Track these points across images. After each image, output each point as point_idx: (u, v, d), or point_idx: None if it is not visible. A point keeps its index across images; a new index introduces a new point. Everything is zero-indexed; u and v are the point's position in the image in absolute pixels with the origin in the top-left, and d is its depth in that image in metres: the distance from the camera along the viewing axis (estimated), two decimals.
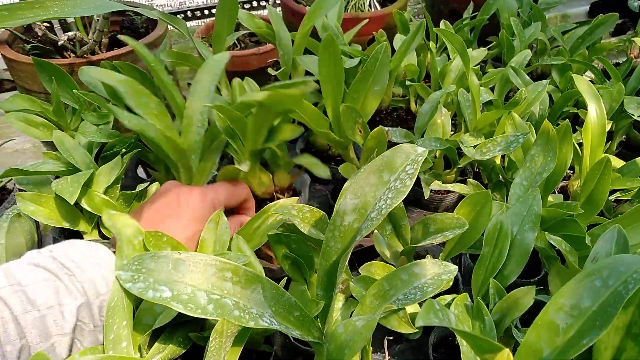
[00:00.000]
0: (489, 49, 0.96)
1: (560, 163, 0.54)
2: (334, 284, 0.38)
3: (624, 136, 0.81)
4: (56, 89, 0.59)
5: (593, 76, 0.87)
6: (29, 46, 0.85)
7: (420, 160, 0.37)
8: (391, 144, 0.62)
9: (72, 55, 0.82)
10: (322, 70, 0.55)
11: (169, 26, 0.85)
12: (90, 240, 0.42)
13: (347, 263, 0.38)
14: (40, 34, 0.79)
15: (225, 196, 0.49)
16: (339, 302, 0.47)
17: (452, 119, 0.82)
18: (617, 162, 0.71)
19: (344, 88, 0.55)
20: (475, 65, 0.81)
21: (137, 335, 0.38)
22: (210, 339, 0.35)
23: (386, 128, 0.64)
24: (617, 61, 1.04)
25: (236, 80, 0.68)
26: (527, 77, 0.75)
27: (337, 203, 0.38)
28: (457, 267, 0.43)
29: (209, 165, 0.53)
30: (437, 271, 0.42)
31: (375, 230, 0.54)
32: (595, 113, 0.63)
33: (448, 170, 0.67)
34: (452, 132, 0.71)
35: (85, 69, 0.56)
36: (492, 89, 0.80)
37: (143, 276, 0.35)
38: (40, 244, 0.59)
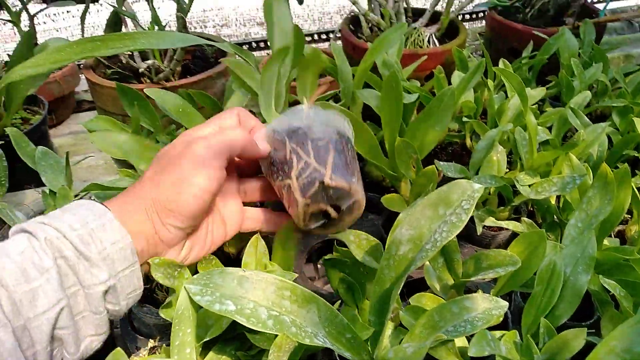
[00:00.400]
0: (547, 88, 0.96)
1: (617, 207, 0.54)
2: (387, 310, 0.40)
3: None
4: (137, 112, 0.65)
5: None
6: (110, 71, 0.93)
7: (477, 197, 0.38)
8: (445, 179, 0.64)
9: (149, 81, 0.89)
10: (384, 106, 0.58)
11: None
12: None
13: (399, 291, 0.40)
14: (124, 61, 0.86)
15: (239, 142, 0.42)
16: (388, 329, 0.48)
17: (507, 157, 0.83)
18: None
19: (401, 123, 0.58)
20: (533, 104, 0.82)
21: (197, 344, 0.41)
22: (270, 351, 0.38)
23: (441, 163, 0.66)
24: None
25: None
26: (586, 118, 0.75)
27: (392, 233, 0.40)
28: (507, 303, 0.43)
29: None
30: (487, 306, 0.43)
31: (427, 263, 0.55)
32: None
33: (502, 207, 0.67)
34: (507, 170, 0.72)
35: (148, 91, 0.61)
36: (549, 128, 0.80)
37: (210, 290, 0.38)
38: None
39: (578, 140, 0.63)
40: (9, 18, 1.07)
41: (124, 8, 0.94)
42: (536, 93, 0.84)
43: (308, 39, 1.40)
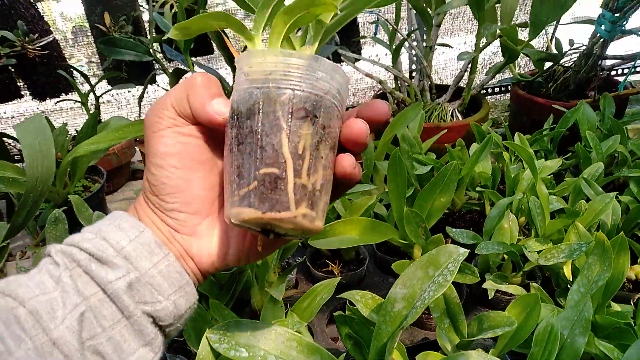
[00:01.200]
0: (567, 159, 1.00)
1: (617, 272, 0.56)
2: None
3: None
4: None
5: None
6: None
7: (461, 259, 0.43)
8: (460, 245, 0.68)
9: None
10: (390, 182, 0.64)
11: None
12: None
13: (395, 344, 0.44)
14: None
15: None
16: None
17: (526, 225, 0.86)
18: None
19: (409, 194, 0.63)
20: (549, 175, 0.85)
21: None
22: None
23: (453, 229, 0.70)
24: None
25: None
26: (599, 188, 0.78)
27: (390, 292, 0.45)
28: None
29: None
30: None
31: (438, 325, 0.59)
32: None
33: (514, 273, 0.70)
34: (521, 237, 0.75)
35: None
36: (566, 197, 0.83)
37: (227, 339, 0.44)
38: None
39: (581, 210, 0.67)
40: (79, 99, 1.23)
41: None
42: (552, 164, 0.88)
43: None
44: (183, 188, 0.34)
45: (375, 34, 1.46)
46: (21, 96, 1.36)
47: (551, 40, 1.32)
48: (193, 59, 1.26)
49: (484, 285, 0.59)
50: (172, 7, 1.26)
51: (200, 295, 0.62)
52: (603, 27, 1.06)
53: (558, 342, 0.48)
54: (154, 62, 1.17)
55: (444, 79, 1.67)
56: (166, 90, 1.03)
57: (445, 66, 1.65)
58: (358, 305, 0.51)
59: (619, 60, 1.22)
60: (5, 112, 1.49)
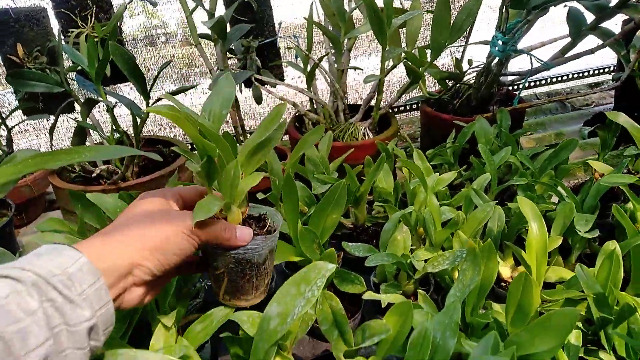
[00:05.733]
0: (466, 170, 1.07)
1: (487, 276, 0.62)
2: None
3: (587, 249, 0.87)
4: (81, 213, 0.74)
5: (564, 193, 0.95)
6: (74, 175, 1.04)
7: (328, 275, 0.47)
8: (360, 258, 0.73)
9: (106, 182, 1.00)
10: (284, 202, 0.68)
11: None
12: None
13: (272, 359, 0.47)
14: (77, 169, 0.98)
15: (185, 191, 0.55)
16: None
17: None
18: (568, 274, 0.78)
19: (311, 212, 0.67)
20: (444, 187, 0.92)
21: None
22: None
23: (350, 244, 0.75)
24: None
25: None
26: (486, 197, 0.85)
27: (265, 310, 0.48)
28: None
29: None
30: None
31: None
32: (536, 231, 0.71)
33: (408, 281, 0.75)
34: (415, 247, 0.80)
35: (89, 196, 0.71)
36: (460, 207, 0.90)
37: None
38: None
39: (459, 220, 0.73)
40: None
41: (89, 120, 1.07)
42: (448, 176, 0.94)
43: None
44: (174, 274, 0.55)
45: (296, 57, 1.51)
46: None
47: (461, 59, 1.42)
48: (107, 88, 1.26)
49: (364, 296, 0.64)
50: (87, 37, 1.26)
51: None
52: (497, 48, 1.15)
53: (431, 344, 0.53)
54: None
55: (364, 97, 1.74)
56: (77, 121, 1.03)
57: (365, 86, 1.72)
58: (244, 326, 0.54)
59: (517, 77, 1.33)
60: None
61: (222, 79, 0.58)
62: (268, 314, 0.48)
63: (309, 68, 1.22)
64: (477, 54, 1.31)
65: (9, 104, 1.43)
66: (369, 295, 0.63)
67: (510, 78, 1.39)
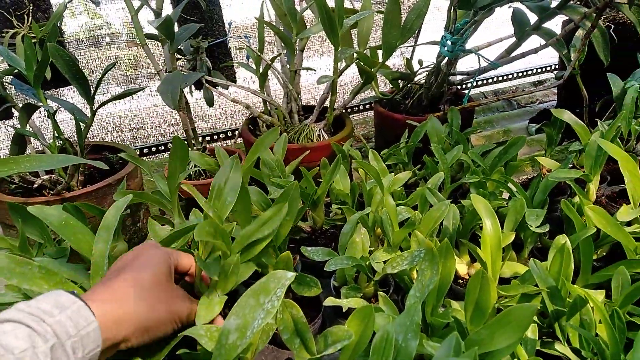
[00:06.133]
0: (420, 169, 1.09)
1: (445, 276, 0.63)
2: None
3: (538, 243, 0.90)
4: (21, 227, 0.70)
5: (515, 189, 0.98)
6: (13, 186, 0.98)
7: (287, 284, 0.46)
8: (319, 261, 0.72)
9: (50, 193, 0.94)
10: (236, 206, 0.66)
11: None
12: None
13: None
14: (16, 180, 0.92)
15: (182, 259, 0.59)
16: None
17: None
18: (522, 269, 0.80)
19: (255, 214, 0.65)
20: (400, 186, 0.93)
21: None
22: None
23: (308, 248, 0.74)
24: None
25: None
26: (441, 196, 0.86)
27: (224, 323, 0.46)
28: None
29: None
30: None
31: None
32: (490, 228, 0.73)
33: (367, 283, 0.75)
34: (374, 249, 0.80)
35: (30, 209, 0.67)
36: (416, 207, 0.91)
37: None
38: None
39: (415, 220, 0.73)
40: None
41: (29, 127, 1.01)
42: (403, 176, 0.95)
43: (215, 137, 1.52)
44: None
45: (247, 58, 1.48)
46: None
47: (411, 59, 1.44)
48: (48, 92, 1.19)
49: (325, 303, 0.63)
50: (23, 38, 1.19)
51: None
52: (446, 48, 1.17)
53: (393, 348, 0.53)
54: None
55: (318, 98, 1.74)
56: (15, 128, 0.97)
57: (318, 86, 1.71)
58: (202, 341, 0.52)
59: (466, 76, 1.36)
60: None
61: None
62: (227, 327, 0.46)
63: (261, 69, 1.20)
64: (427, 55, 1.33)
65: None
66: (330, 301, 0.62)
67: (459, 77, 1.42)
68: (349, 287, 0.72)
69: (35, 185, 0.91)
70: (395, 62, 1.78)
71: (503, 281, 0.80)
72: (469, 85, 1.31)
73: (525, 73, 2.01)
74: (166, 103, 0.94)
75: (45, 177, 0.93)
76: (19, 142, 1.02)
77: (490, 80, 1.97)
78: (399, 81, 1.30)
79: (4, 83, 1.02)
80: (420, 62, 1.29)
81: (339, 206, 0.87)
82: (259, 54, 1.16)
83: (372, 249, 0.79)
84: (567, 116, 0.95)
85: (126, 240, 0.93)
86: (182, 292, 0.56)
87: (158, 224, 0.76)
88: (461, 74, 1.34)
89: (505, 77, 2.00)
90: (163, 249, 0.58)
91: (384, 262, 0.72)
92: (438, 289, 0.63)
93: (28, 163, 0.68)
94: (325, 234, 0.90)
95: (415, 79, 1.31)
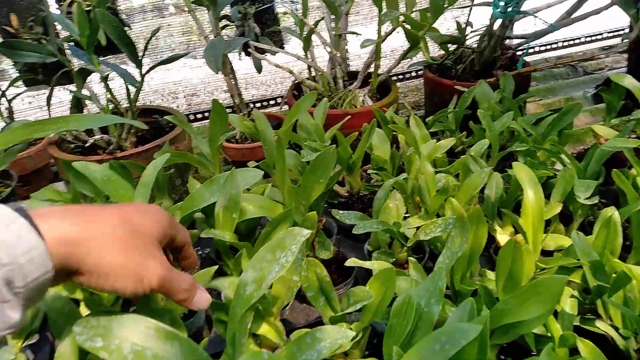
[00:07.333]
0: (468, 137, 1.05)
1: (476, 243, 0.61)
2: (239, 343, 0.47)
3: (590, 217, 0.85)
4: (73, 182, 0.74)
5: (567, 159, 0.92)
6: (73, 145, 1.04)
7: (302, 240, 0.46)
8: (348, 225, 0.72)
9: (104, 152, 1.00)
10: (276, 165, 0.67)
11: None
12: None
13: (249, 325, 0.47)
14: (70, 138, 0.98)
15: (180, 232, 0.48)
16: None
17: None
18: (567, 242, 0.76)
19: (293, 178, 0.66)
20: (441, 154, 0.90)
21: None
22: None
23: (340, 212, 0.74)
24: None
25: None
26: (484, 163, 0.83)
27: (242, 275, 0.48)
28: (354, 333, 0.50)
29: None
30: (335, 336, 0.49)
31: None
32: (532, 198, 0.70)
33: (400, 249, 0.74)
34: (410, 215, 0.79)
35: (75, 164, 0.71)
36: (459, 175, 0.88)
37: (87, 330, 0.45)
38: None
39: (449, 187, 0.71)
40: None
41: (85, 91, 1.07)
42: (446, 143, 0.92)
43: (264, 103, 1.53)
44: None
45: (295, 24, 1.47)
46: None
47: (467, 23, 1.37)
48: (102, 57, 1.24)
49: (347, 263, 0.63)
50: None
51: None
52: (498, 9, 1.10)
53: (414, 311, 0.52)
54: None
55: None
56: (72, 92, 1.03)
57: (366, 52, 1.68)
58: (225, 292, 0.54)
59: (523, 40, 1.28)
60: None
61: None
62: (244, 279, 0.47)
63: (305, 33, 1.19)
64: (481, 19, 1.26)
65: (10, 77, 1.43)
66: (352, 262, 0.62)
67: (516, 41, 1.34)
68: (380, 251, 0.72)
69: (87, 144, 0.97)
70: (450, 26, 1.70)
71: (546, 254, 0.77)
72: (525, 49, 1.24)
73: (593, 37, 1.86)
74: (210, 67, 0.95)
75: (97, 137, 0.98)
76: (77, 106, 1.08)
77: (554, 45, 1.84)
78: (449, 45, 1.25)
79: (64, 49, 1.08)
80: (470, 24, 1.22)
81: (376, 172, 0.85)
82: (303, 18, 1.15)
83: (407, 215, 0.78)
84: (627, 81, 0.87)
85: (176, 199, 0.97)
86: (165, 258, 0.45)
87: (198, 182, 0.79)
88: (517, 37, 1.27)
89: (571, 42, 1.86)
90: (169, 215, 0.48)
91: (417, 228, 0.70)
92: (468, 256, 0.62)
93: (75, 122, 0.72)
94: (362, 199, 0.90)
95: (467, 42, 1.25)
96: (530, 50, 1.29)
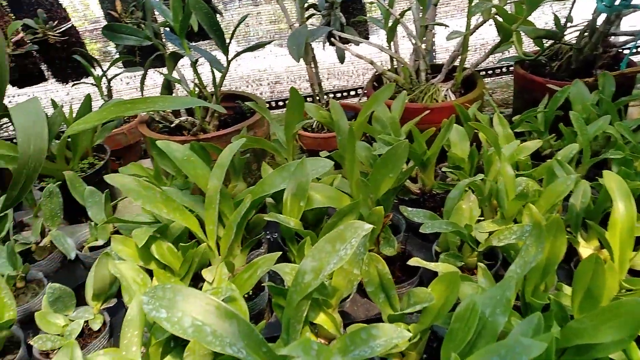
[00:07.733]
0: (557, 140, 0.98)
1: (553, 255, 0.57)
2: (295, 330, 0.47)
3: None
4: (157, 159, 0.79)
5: None
6: (161, 125, 1.10)
7: (362, 234, 0.45)
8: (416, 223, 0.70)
9: (187, 133, 1.05)
10: (346, 159, 0.67)
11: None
12: None
13: (305, 312, 0.47)
14: (157, 118, 1.03)
15: None
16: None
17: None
18: None
19: (363, 170, 0.65)
20: (524, 156, 0.84)
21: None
22: (185, 354, 0.46)
23: (409, 209, 0.72)
24: None
25: None
26: (571, 169, 0.77)
27: (301, 264, 0.48)
28: (410, 333, 0.48)
29: None
30: (391, 335, 0.48)
31: None
32: (622, 210, 0.63)
33: (470, 253, 0.71)
34: (484, 219, 0.75)
35: (158, 142, 0.75)
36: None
37: (153, 300, 0.48)
38: None
39: (528, 192, 0.66)
40: (93, 82, 1.31)
41: (175, 74, 1.12)
42: (532, 145, 0.86)
43: (345, 94, 1.52)
44: None
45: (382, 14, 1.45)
46: (45, 79, 1.46)
47: (569, 18, 1.27)
48: (193, 43, 1.30)
49: (409, 262, 0.61)
50: None
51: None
52: (603, 3, 1.01)
53: (477, 319, 0.50)
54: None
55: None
56: (163, 74, 1.08)
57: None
58: (285, 278, 0.54)
59: (630, 37, 1.16)
60: (32, 95, 1.60)
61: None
62: (302, 268, 0.47)
63: (390, 24, 1.16)
64: (583, 14, 1.17)
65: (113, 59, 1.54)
66: (414, 261, 0.60)
67: (621, 39, 1.22)
68: (448, 253, 0.69)
69: (173, 125, 1.02)
70: (549, 21, 1.59)
71: (635, 274, 0.70)
72: (632, 48, 1.12)
73: None
74: (291, 55, 0.97)
75: (183, 118, 1.03)
76: (168, 88, 1.14)
77: None
78: (545, 41, 1.17)
79: (160, 34, 1.14)
80: (570, 19, 1.13)
81: (452, 170, 0.82)
82: (388, 7, 1.13)
83: (481, 218, 0.74)
84: None
85: (251, 183, 1.00)
86: None
87: (270, 168, 0.80)
88: (623, 34, 1.15)
89: None
90: None
91: (490, 233, 0.67)
92: (543, 268, 0.58)
93: (162, 102, 0.76)
94: (434, 197, 0.87)
95: (565, 39, 1.16)
96: (638, 49, 1.17)
